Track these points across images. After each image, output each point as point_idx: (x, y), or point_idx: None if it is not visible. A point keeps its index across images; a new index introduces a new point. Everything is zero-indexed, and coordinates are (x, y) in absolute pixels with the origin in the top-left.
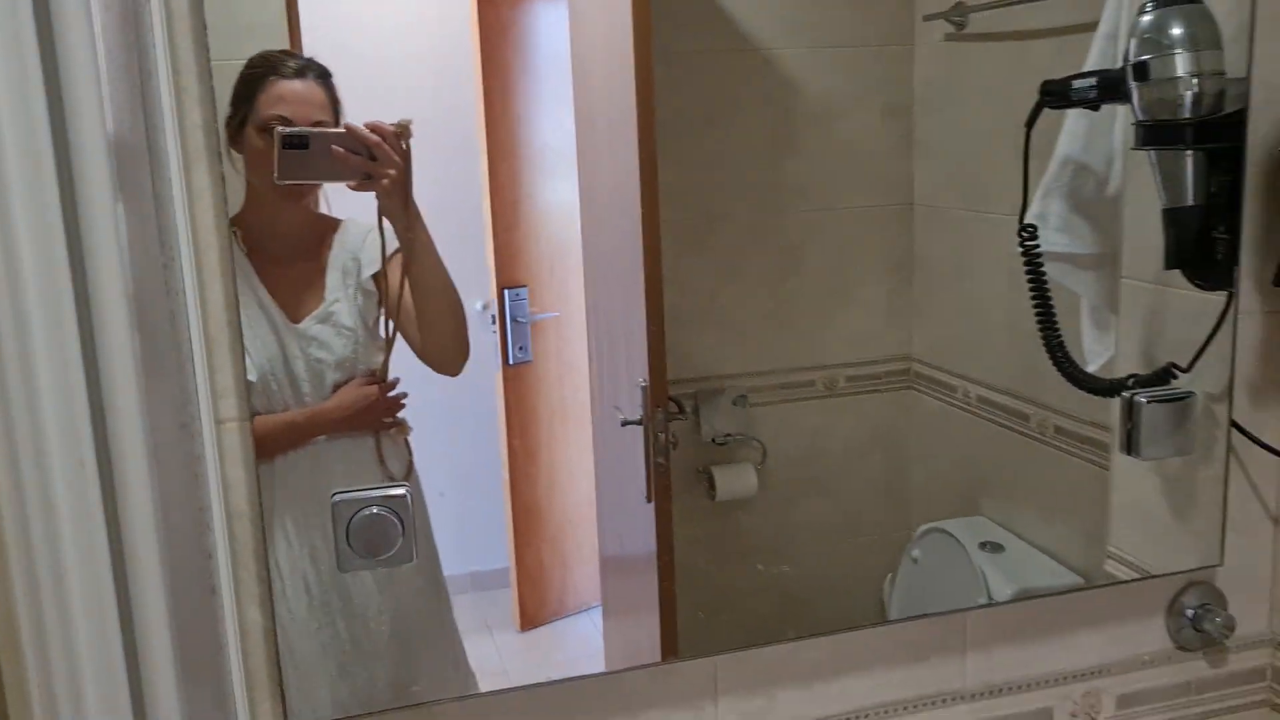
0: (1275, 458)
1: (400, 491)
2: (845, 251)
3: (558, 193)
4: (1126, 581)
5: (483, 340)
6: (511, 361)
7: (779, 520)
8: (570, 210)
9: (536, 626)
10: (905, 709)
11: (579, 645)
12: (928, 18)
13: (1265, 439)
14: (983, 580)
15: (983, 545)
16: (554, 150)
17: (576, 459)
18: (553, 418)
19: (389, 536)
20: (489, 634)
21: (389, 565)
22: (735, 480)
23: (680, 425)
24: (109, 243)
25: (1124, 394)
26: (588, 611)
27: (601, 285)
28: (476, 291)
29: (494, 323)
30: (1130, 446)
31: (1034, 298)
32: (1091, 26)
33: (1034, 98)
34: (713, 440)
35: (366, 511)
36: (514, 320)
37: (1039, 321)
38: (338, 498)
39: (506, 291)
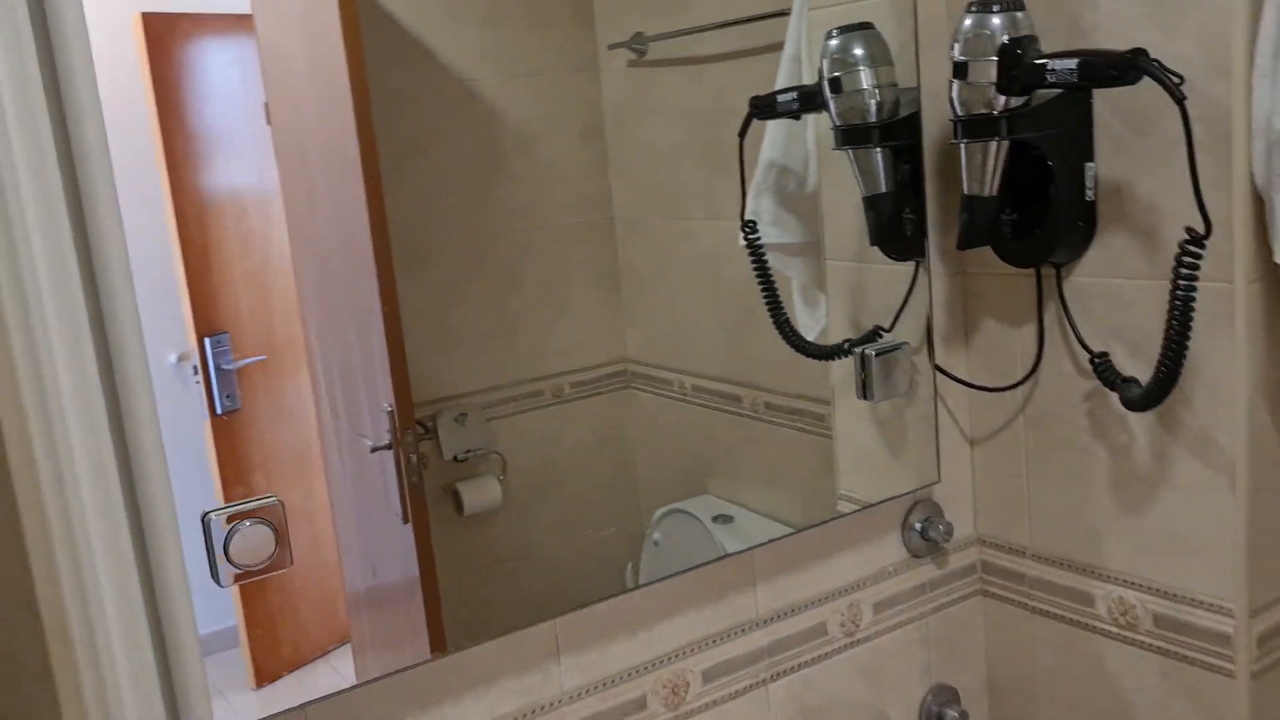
0: (967, 390)
1: None
2: (558, 266)
3: (253, 234)
4: (873, 505)
5: (187, 392)
6: (219, 411)
7: (526, 526)
8: (268, 250)
9: (274, 680)
10: (713, 642)
11: (324, 689)
12: (611, 46)
13: (957, 375)
14: (722, 549)
15: (714, 519)
16: (247, 190)
17: (303, 500)
18: (269, 462)
19: None
20: (222, 698)
21: None
22: (480, 494)
23: (427, 445)
24: None
25: (856, 350)
26: (328, 655)
27: (325, 320)
28: (174, 343)
29: (196, 373)
30: (866, 392)
31: (761, 284)
32: (755, 51)
33: (715, 114)
34: (454, 458)
35: None
36: (218, 369)
37: (767, 305)
38: None
39: (207, 340)
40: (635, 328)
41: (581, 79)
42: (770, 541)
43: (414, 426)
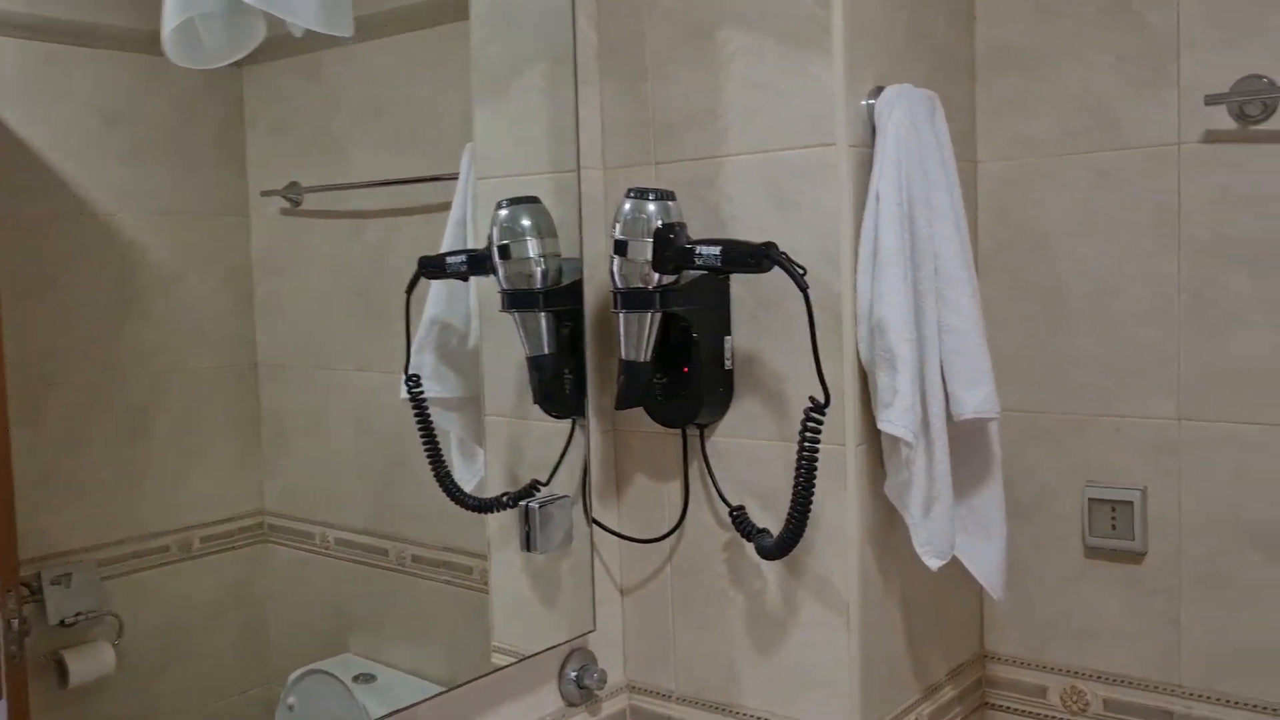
0: (620, 541)
1: None
2: (193, 411)
3: None
4: (530, 656)
5: None
6: None
7: (143, 697)
8: None
9: None
10: None
11: None
12: (264, 193)
13: (611, 527)
14: (364, 711)
15: (355, 679)
16: None
17: None
18: None
19: None
20: None
21: None
22: (89, 662)
23: (32, 608)
24: None
25: (521, 503)
26: None
27: None
28: None
29: None
30: (529, 544)
31: (423, 437)
32: (414, 211)
33: (371, 268)
34: (62, 622)
35: None
36: None
37: (428, 457)
38: None
39: None
40: (276, 478)
41: (229, 222)
42: (425, 700)
43: (17, 588)
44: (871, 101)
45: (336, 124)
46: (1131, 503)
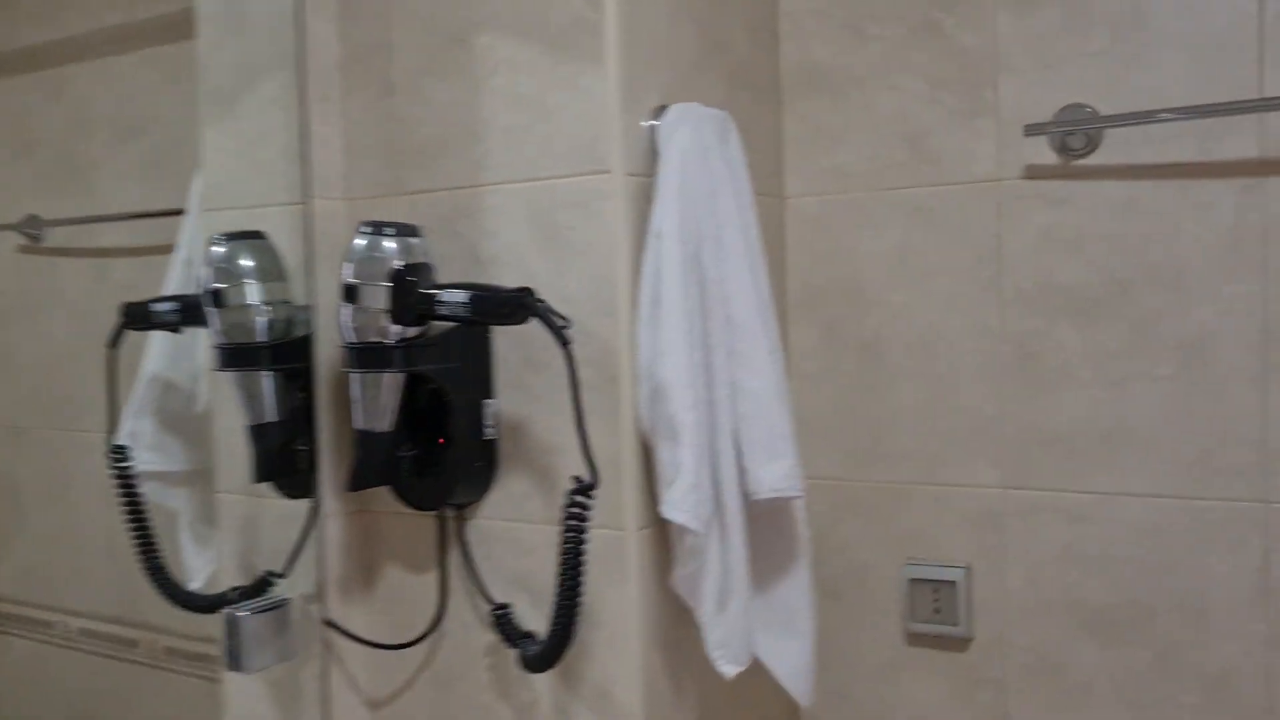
0: (369, 648)
1: None
2: None
3: None
4: None
5: None
6: None
7: None
8: None
9: None
10: None
11: None
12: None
13: (357, 630)
14: None
15: None
16: None
17: None
18: None
19: None
20: None
21: None
22: None
23: None
24: None
25: (224, 610)
26: None
27: None
28: None
29: None
30: (234, 663)
31: (130, 521)
32: (167, 248)
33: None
34: None
35: None
36: None
37: (137, 545)
38: None
39: None
40: (10, 559)
41: None
42: None
43: None
44: (654, 122)
45: (84, 148)
46: (955, 583)
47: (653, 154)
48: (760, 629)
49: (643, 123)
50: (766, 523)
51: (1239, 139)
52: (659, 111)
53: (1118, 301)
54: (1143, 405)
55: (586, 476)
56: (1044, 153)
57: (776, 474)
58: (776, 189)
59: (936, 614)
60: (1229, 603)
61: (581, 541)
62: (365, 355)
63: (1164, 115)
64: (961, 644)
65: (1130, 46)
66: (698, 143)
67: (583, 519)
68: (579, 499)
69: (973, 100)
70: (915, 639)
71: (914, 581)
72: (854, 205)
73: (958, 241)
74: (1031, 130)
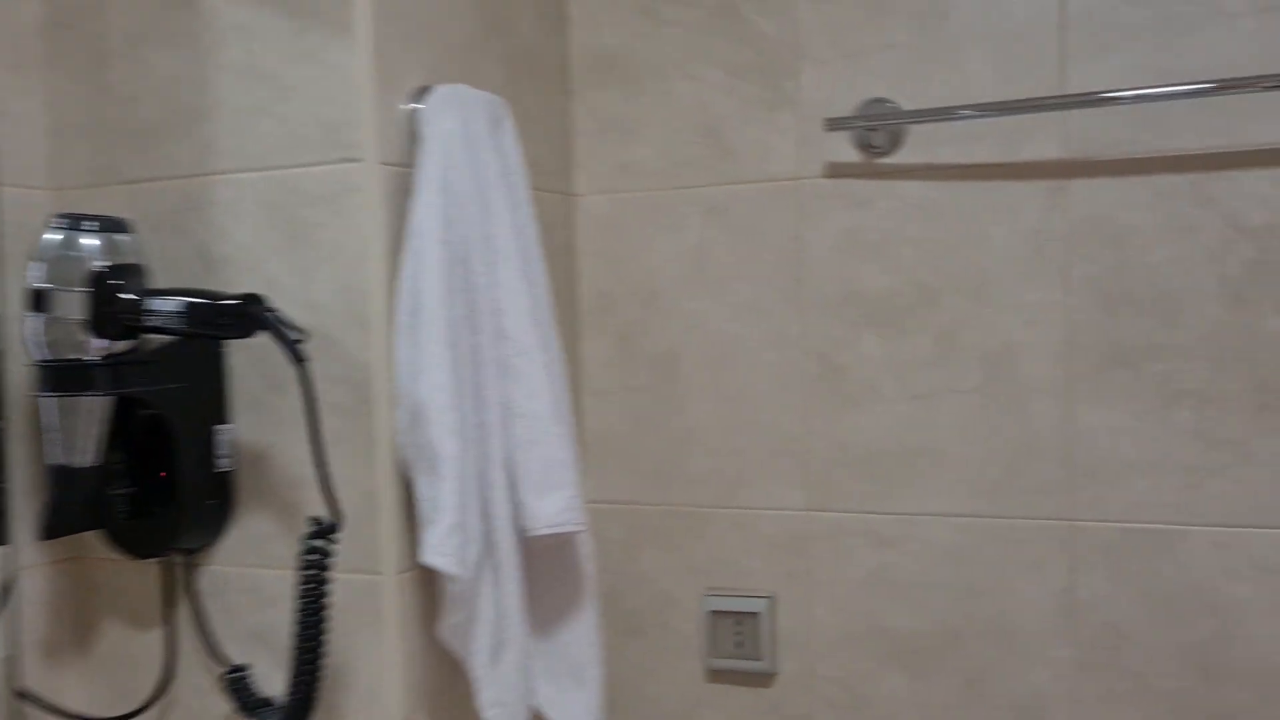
0: None
1: None
2: None
3: None
4: None
5: None
6: None
7: None
8: None
9: None
10: None
11: None
12: None
13: (70, 701)
14: None
15: None
16: None
17: None
18: None
19: None
20: None
21: None
22: None
23: None
24: None
25: None
26: None
27: None
28: None
29: None
30: None
31: None
32: None
33: None
34: None
35: None
36: None
37: None
38: None
39: None
40: None
41: None
42: None
43: None
44: (416, 105)
45: None
46: (758, 614)
47: (413, 141)
48: (543, 679)
49: (401, 105)
50: (546, 561)
51: (1042, 139)
52: (421, 93)
53: (922, 310)
54: (948, 420)
55: (327, 516)
56: (846, 150)
57: (555, 506)
58: (565, 186)
59: (739, 648)
60: (1036, 625)
61: (322, 593)
62: (61, 375)
63: (966, 112)
64: (765, 679)
65: (932, 39)
66: (465, 130)
67: (323, 566)
68: (317, 544)
69: (773, 92)
70: (716, 676)
71: (715, 614)
72: (649, 204)
73: (757, 244)
74: (832, 125)
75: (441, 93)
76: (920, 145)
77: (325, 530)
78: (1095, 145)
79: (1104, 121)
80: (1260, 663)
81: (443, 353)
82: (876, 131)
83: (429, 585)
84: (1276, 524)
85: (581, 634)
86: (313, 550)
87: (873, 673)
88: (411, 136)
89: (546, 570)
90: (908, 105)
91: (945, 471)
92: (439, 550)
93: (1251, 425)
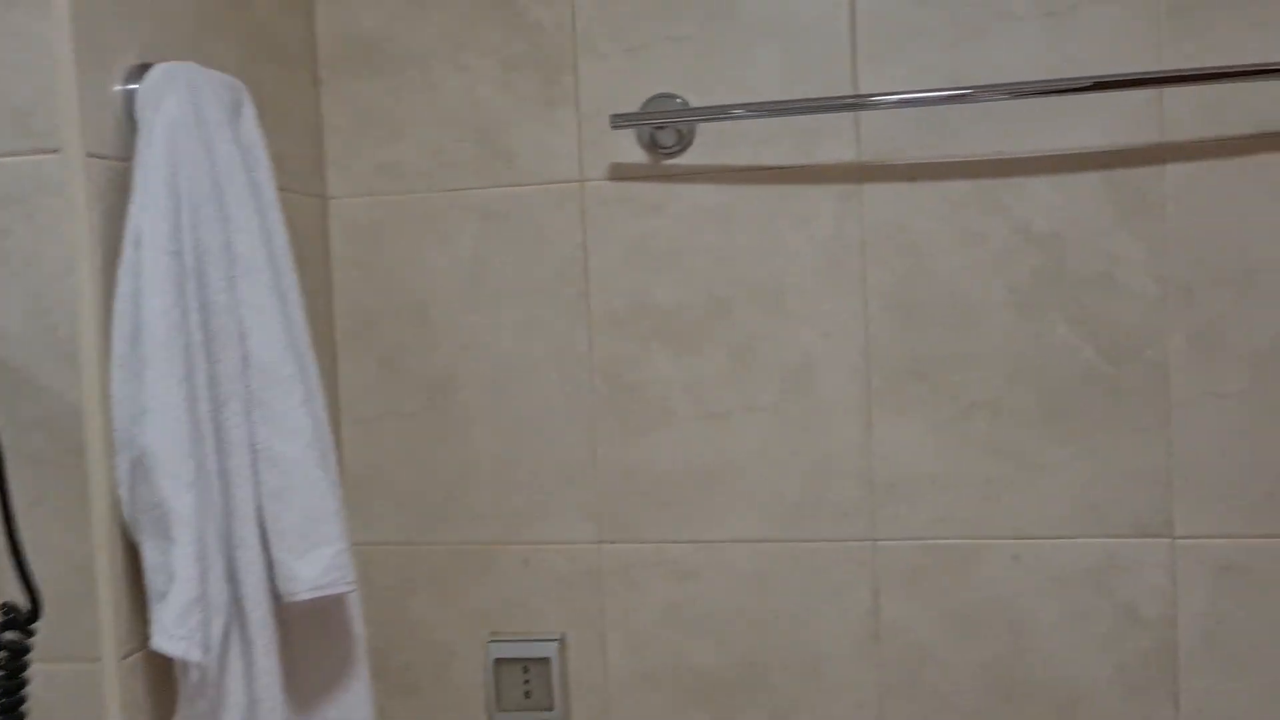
0: None
1: None
2: None
3: None
4: None
5: None
6: None
7: None
8: None
9: None
10: None
11: None
12: None
13: None
14: None
15: None
16: None
17: None
18: None
19: None
20: None
21: None
22: None
23: None
24: None
25: None
26: None
27: None
28: None
29: None
30: None
31: None
32: None
33: None
34: None
35: None
36: None
37: None
38: None
39: None
40: None
41: None
42: None
43: None
44: (133, 86)
45: None
46: (548, 659)
47: (130, 129)
48: None
49: (115, 87)
50: (309, 626)
51: (835, 142)
52: (139, 72)
53: (716, 323)
54: (745, 440)
55: (23, 601)
56: (632, 150)
57: (318, 566)
58: (315, 187)
59: (528, 698)
60: (842, 652)
61: (19, 699)
62: None
63: (752, 110)
64: None
65: (721, 34)
66: (196, 116)
67: (18, 665)
68: (8, 637)
69: (551, 87)
70: None
71: (500, 662)
72: (415, 209)
73: (538, 254)
74: (618, 122)
75: (164, 71)
76: (710, 146)
77: (20, 620)
78: (887, 149)
79: (895, 125)
80: (1054, 677)
81: (172, 387)
82: (664, 130)
83: (162, 670)
84: (1069, 534)
85: (352, 705)
86: (3, 647)
87: (673, 714)
88: (128, 123)
89: (309, 638)
90: (696, 102)
91: (744, 494)
92: (173, 632)
93: (1042, 435)
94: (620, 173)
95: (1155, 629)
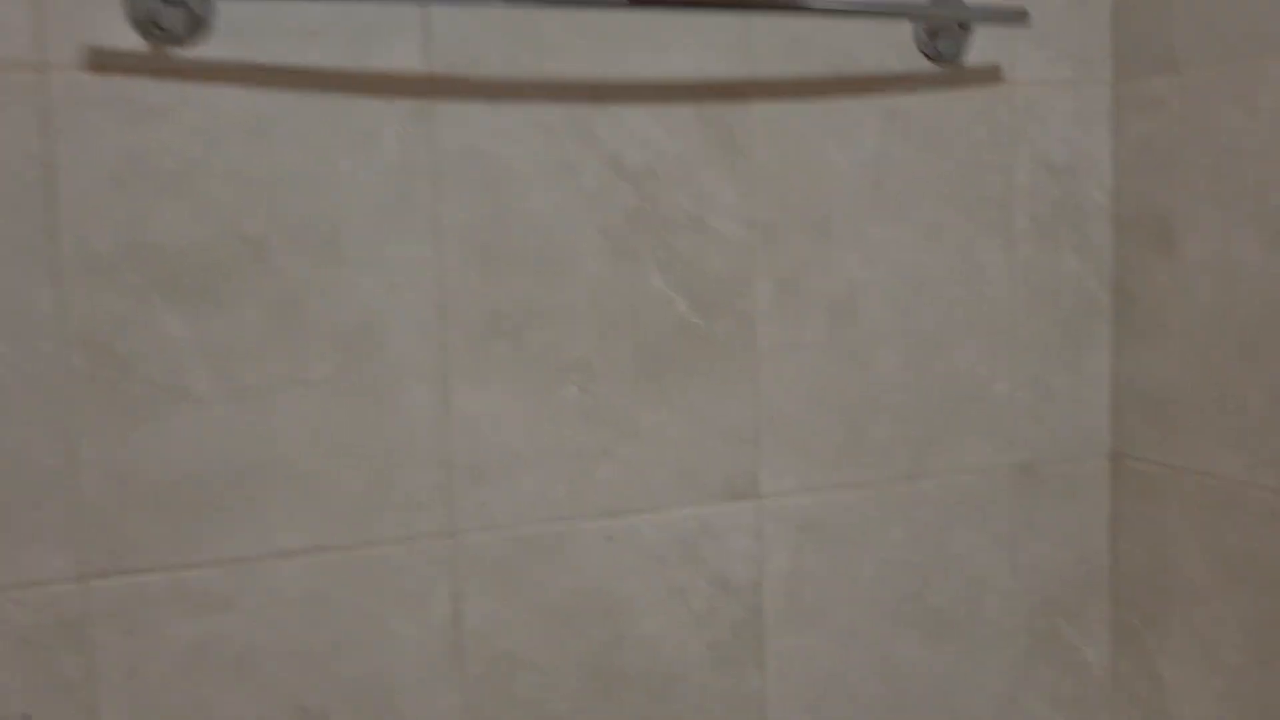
0: None
1: None
2: None
3: None
4: None
5: None
6: None
7: None
8: None
9: None
10: None
11: None
12: None
13: None
14: None
15: None
16: None
17: None
18: None
19: None
20: None
21: None
22: None
23: None
24: None
25: None
26: None
27: None
28: None
29: None
30: None
31: None
32: None
33: None
34: None
35: None
36: None
37: None
38: None
39: None
40: None
41: None
42: None
43: None
44: None
45: None
46: None
47: None
48: None
49: None
50: None
51: (402, 45)
52: None
53: (248, 271)
54: (292, 423)
55: None
56: (121, 31)
57: None
58: None
59: None
60: (418, 675)
61: None
62: None
63: None
64: None
65: None
66: None
67: None
68: None
69: None
70: None
71: None
72: None
73: None
74: None
75: None
76: (237, 36)
77: None
78: (464, 60)
79: (474, 28)
80: (651, 661)
81: None
82: (171, 5)
83: None
84: (662, 505)
85: None
86: None
87: None
88: None
89: None
90: None
91: (291, 494)
92: None
93: (635, 396)
94: (104, 62)
95: (744, 597)
